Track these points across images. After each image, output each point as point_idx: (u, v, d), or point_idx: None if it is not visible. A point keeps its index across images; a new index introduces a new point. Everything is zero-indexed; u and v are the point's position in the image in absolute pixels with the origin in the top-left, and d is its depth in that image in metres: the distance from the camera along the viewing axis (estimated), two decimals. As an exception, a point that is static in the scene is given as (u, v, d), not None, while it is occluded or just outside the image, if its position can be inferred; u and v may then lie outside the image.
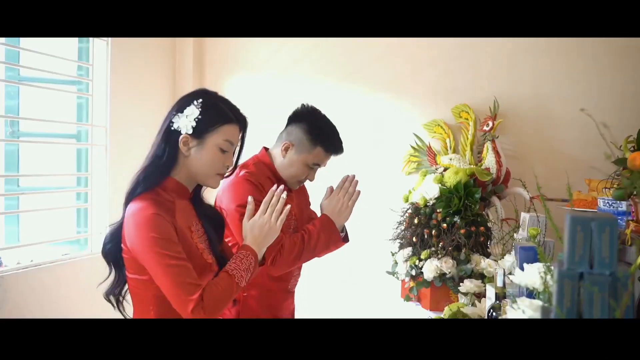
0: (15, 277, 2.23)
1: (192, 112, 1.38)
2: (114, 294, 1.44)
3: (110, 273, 1.44)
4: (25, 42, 2.46)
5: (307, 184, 2.01)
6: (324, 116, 1.87)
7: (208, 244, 1.46)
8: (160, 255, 1.28)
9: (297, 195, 1.94)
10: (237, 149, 1.48)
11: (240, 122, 1.45)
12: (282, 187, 1.49)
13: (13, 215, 2.51)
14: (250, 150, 1.78)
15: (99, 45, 2.74)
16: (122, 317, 1.45)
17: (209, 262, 1.42)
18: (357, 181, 1.87)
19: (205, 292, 1.29)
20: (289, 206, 1.49)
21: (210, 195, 1.61)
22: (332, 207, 1.83)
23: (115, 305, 1.45)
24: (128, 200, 1.37)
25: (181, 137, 1.38)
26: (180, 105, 1.40)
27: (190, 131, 1.38)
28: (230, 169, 1.47)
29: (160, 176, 1.39)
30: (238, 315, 1.80)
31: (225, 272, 1.36)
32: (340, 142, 1.86)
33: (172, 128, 1.39)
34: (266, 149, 1.91)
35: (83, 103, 2.77)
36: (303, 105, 1.86)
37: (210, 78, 3.29)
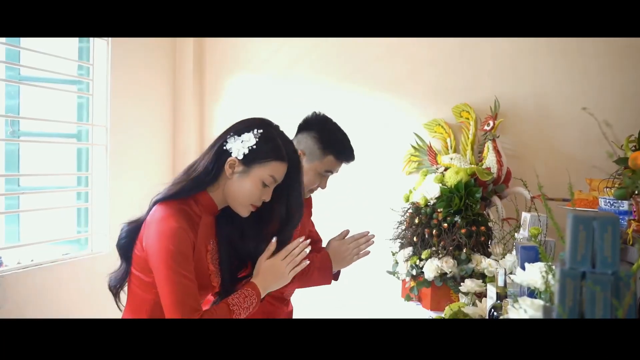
0: (15, 277, 2.23)
1: (249, 139, 1.38)
2: (116, 286, 1.45)
3: (121, 265, 1.44)
4: (25, 41, 2.46)
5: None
6: (335, 124, 1.85)
7: (219, 266, 1.47)
8: (171, 269, 1.29)
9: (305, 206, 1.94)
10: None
11: (290, 161, 1.44)
12: (308, 241, 1.47)
13: (13, 214, 2.50)
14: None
15: (100, 45, 2.74)
16: (120, 313, 1.47)
17: (213, 284, 1.44)
18: (373, 242, 1.88)
19: (202, 318, 1.30)
20: (307, 262, 1.47)
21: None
22: (338, 252, 1.84)
23: (114, 295, 1.46)
24: (159, 200, 1.37)
25: (229, 159, 1.38)
26: (239, 129, 1.41)
27: (241, 157, 1.38)
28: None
29: (198, 189, 1.39)
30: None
31: (226, 305, 1.36)
32: (351, 149, 1.84)
33: (225, 148, 1.39)
34: None
35: (83, 103, 2.77)
36: (314, 113, 1.85)
37: (210, 78, 3.29)
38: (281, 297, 1.89)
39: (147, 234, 1.34)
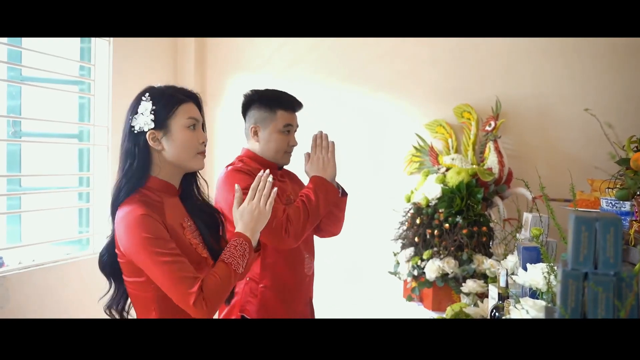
0: (17, 277, 2.23)
1: (146, 107, 1.39)
2: (117, 309, 1.44)
3: (110, 287, 1.44)
4: (27, 42, 2.46)
5: (298, 173, 2.03)
6: (267, 88, 1.93)
7: (201, 238, 1.47)
8: (154, 254, 1.28)
9: (291, 182, 1.97)
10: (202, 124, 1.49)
11: (192, 98, 1.46)
12: (267, 171, 1.50)
13: (15, 215, 2.50)
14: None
15: (101, 45, 2.74)
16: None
17: (203, 256, 1.43)
18: (326, 134, 1.91)
19: (205, 283, 1.30)
20: (276, 189, 1.49)
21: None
22: (315, 166, 1.87)
23: (120, 316, 1.45)
24: (115, 208, 1.37)
25: (147, 134, 1.38)
26: (133, 107, 1.41)
27: (152, 125, 1.38)
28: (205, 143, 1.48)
29: (140, 178, 1.39)
30: (258, 307, 1.81)
31: (222, 261, 1.36)
32: (294, 97, 1.91)
33: (135, 131, 1.39)
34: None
35: (85, 103, 2.77)
36: (244, 94, 1.94)
37: (212, 78, 3.29)
38: (301, 274, 1.90)
39: (119, 236, 1.35)
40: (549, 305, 1.06)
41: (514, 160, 2.70)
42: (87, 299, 2.45)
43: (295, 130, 1.93)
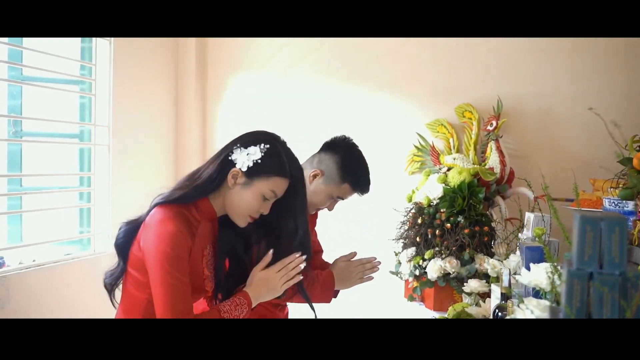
0: (17, 277, 2.22)
1: (255, 152, 1.39)
2: (111, 283, 1.46)
3: (118, 264, 1.45)
4: (27, 41, 2.45)
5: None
6: (360, 152, 1.85)
7: (214, 271, 1.48)
8: (166, 271, 1.30)
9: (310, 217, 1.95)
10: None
11: (293, 178, 1.45)
12: (304, 257, 1.47)
13: (16, 215, 2.50)
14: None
15: (102, 45, 2.74)
16: (114, 310, 1.48)
17: (206, 289, 1.46)
18: (378, 269, 1.89)
19: None
20: (301, 277, 1.48)
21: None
22: (343, 273, 1.84)
23: (108, 292, 1.46)
24: (160, 202, 1.37)
25: (233, 169, 1.40)
26: (246, 142, 1.42)
27: (245, 169, 1.39)
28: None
29: (199, 193, 1.40)
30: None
31: (218, 311, 1.37)
32: (369, 183, 1.85)
33: (230, 158, 1.41)
34: None
35: (86, 103, 2.76)
36: (344, 136, 1.85)
37: (213, 78, 3.28)
38: (278, 304, 1.88)
39: (145, 235, 1.35)
40: (554, 305, 1.06)
41: (515, 159, 2.70)
42: (88, 299, 2.45)
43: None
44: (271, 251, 1.46)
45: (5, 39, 2.32)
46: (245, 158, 1.39)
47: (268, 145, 1.41)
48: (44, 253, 2.51)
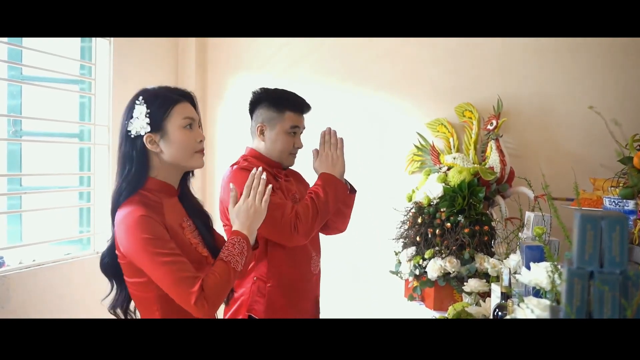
0: (17, 277, 2.22)
1: (140, 110, 1.39)
2: (122, 309, 1.46)
3: (112, 288, 1.45)
4: (27, 41, 2.45)
5: (303, 172, 2.03)
6: (277, 88, 1.93)
7: (201, 238, 1.48)
8: (154, 254, 1.29)
9: (297, 182, 1.97)
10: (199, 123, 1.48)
11: (186, 97, 1.46)
12: (260, 169, 1.51)
13: (15, 214, 2.50)
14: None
15: (102, 45, 2.74)
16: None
17: (204, 255, 1.44)
18: (335, 131, 1.91)
19: (205, 282, 1.31)
20: (270, 186, 1.50)
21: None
22: (324, 163, 1.87)
23: (125, 316, 1.46)
24: (114, 211, 1.38)
25: (144, 138, 1.39)
26: (127, 111, 1.41)
27: (149, 129, 1.38)
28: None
29: (139, 180, 1.40)
30: (266, 307, 1.81)
31: (220, 260, 1.37)
32: (303, 99, 1.91)
33: (132, 135, 1.39)
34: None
35: (85, 102, 2.76)
36: (253, 92, 1.93)
37: (213, 77, 3.28)
38: (308, 273, 1.90)
39: (119, 237, 1.35)
40: (554, 304, 1.06)
41: (515, 159, 2.70)
42: (88, 298, 2.45)
43: (302, 132, 1.93)
44: (231, 185, 1.51)
45: (5, 39, 2.32)
46: (139, 122, 1.38)
47: (141, 96, 1.40)
48: (44, 253, 2.51)
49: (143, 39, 2.95)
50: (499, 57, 2.79)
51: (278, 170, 1.90)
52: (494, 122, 2.63)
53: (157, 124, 1.39)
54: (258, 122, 1.89)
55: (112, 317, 1.46)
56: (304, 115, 1.92)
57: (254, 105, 1.92)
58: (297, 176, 2.02)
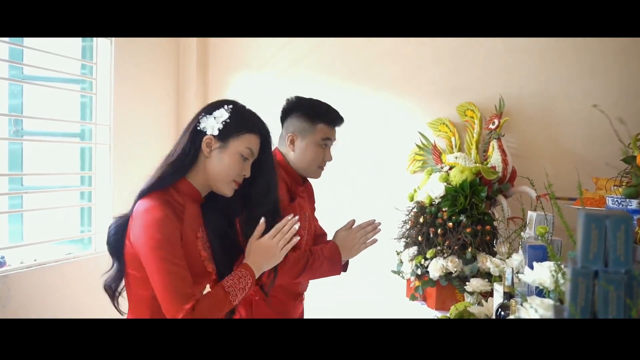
0: (19, 277, 2.22)
1: (221, 114, 1.40)
2: (112, 287, 1.44)
3: (113, 264, 1.44)
4: (28, 40, 2.45)
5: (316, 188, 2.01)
6: (311, 98, 1.90)
7: (211, 252, 1.46)
8: (161, 257, 1.28)
9: (309, 200, 1.96)
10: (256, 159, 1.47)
11: (262, 133, 1.46)
12: (296, 217, 1.46)
13: (17, 214, 2.50)
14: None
15: (103, 44, 2.73)
16: (120, 314, 1.45)
17: (208, 270, 1.44)
18: (379, 230, 1.87)
19: (199, 303, 1.29)
20: (298, 238, 1.47)
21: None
22: (346, 242, 1.83)
23: (111, 298, 1.44)
24: (142, 193, 1.37)
25: (205, 137, 1.40)
26: (210, 108, 1.43)
27: (216, 133, 1.39)
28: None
29: (177, 176, 1.40)
30: (250, 316, 1.80)
31: (222, 288, 1.35)
32: (336, 111, 1.89)
33: (198, 128, 1.41)
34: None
35: (87, 102, 2.76)
36: (287, 99, 1.90)
37: (214, 77, 3.28)
38: (296, 293, 1.89)
39: (133, 227, 1.35)
40: (558, 304, 1.05)
41: (517, 158, 2.69)
42: (89, 298, 2.44)
43: (332, 145, 1.90)
44: (262, 219, 1.46)
45: (7, 38, 2.31)
46: (213, 122, 1.40)
47: (231, 106, 1.42)
48: (45, 252, 2.51)
49: (144, 39, 2.94)
50: (501, 57, 2.78)
51: (296, 186, 1.87)
52: (496, 121, 2.62)
53: (225, 135, 1.40)
54: (289, 132, 1.85)
55: (113, 317, 1.46)
56: (337, 128, 1.89)
57: (286, 114, 1.88)
58: (310, 192, 1.99)
